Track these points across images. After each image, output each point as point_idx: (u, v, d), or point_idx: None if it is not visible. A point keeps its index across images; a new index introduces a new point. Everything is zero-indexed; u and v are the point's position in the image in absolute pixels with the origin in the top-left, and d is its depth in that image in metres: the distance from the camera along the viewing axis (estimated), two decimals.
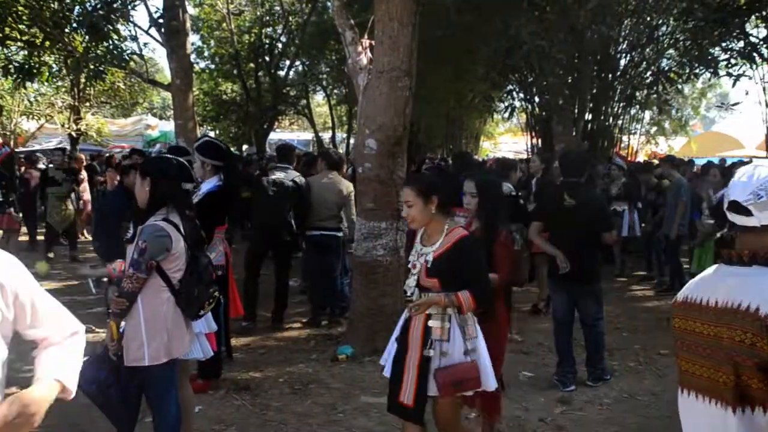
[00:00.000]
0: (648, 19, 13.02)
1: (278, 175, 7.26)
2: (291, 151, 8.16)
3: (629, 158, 17.24)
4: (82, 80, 17.23)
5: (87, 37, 10.94)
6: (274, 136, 24.21)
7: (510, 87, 15.07)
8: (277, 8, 18.92)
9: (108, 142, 21.56)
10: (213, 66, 20.63)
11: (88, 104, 20.02)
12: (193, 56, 15.71)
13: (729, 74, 12.58)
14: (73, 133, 18.94)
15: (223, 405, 5.11)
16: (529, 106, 15.64)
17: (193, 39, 17.91)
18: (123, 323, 3.51)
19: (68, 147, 18.14)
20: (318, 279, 7.59)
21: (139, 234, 3.50)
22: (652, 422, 4.87)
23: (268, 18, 19.28)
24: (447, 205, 3.60)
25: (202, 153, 5.40)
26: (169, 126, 21.46)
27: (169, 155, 4.62)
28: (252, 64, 19.33)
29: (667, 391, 5.43)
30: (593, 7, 10.41)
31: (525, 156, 17.64)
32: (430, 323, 3.48)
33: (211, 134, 20.07)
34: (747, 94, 19.81)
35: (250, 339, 6.89)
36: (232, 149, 18.49)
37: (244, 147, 20.61)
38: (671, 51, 13.86)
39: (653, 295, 9.27)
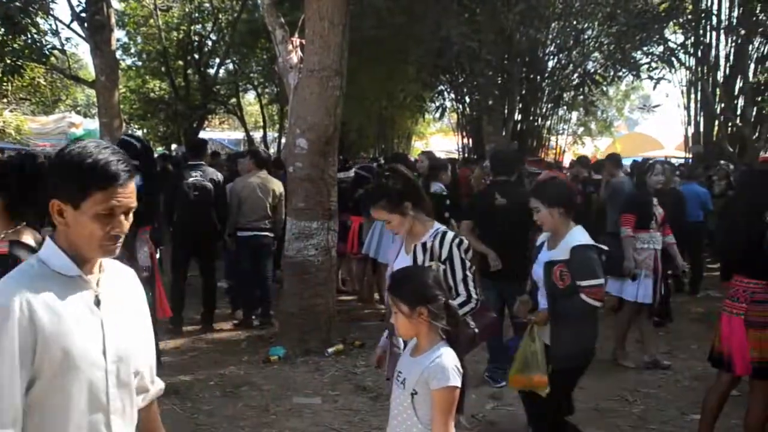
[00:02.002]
0: (574, 23, 13.37)
1: (196, 176, 7.09)
2: (203, 146, 8.06)
3: (558, 157, 17.66)
4: None
5: (2, 29, 10.49)
6: (204, 135, 23.75)
7: (441, 87, 15.24)
8: (207, 5, 18.60)
9: (29, 141, 20.72)
10: (140, 63, 20.11)
11: (5, 100, 19.19)
12: (118, 53, 15.33)
13: (650, 77, 13.09)
14: None
15: None
16: (460, 107, 15.85)
17: (119, 35, 17.44)
18: None
19: None
20: (247, 280, 7.49)
21: None
22: (578, 415, 4.98)
23: (197, 15, 18.92)
24: (16, 206, 2.57)
25: None
26: (94, 124, 20.74)
27: None
28: (181, 62, 18.94)
29: (593, 384, 5.58)
30: (521, 10, 10.63)
31: (456, 156, 17.85)
32: None
33: (139, 133, 19.61)
34: (667, 96, 20.68)
35: (179, 342, 6.74)
36: (159, 148, 18.12)
37: (173, 146, 20.17)
38: (596, 54, 14.27)
39: None
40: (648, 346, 6.24)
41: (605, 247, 3.85)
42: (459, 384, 2.48)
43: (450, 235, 3.33)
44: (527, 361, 3.72)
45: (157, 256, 5.71)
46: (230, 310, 7.85)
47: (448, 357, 2.50)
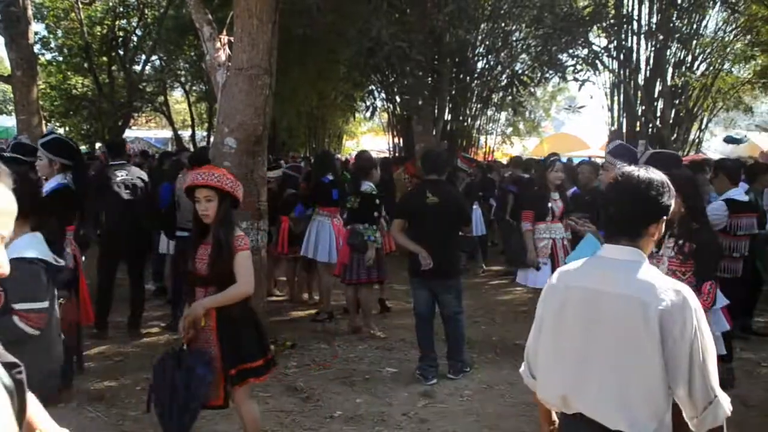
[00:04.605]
0: (503, 24, 13.61)
1: (123, 175, 6.89)
2: (124, 145, 7.92)
3: (487, 157, 17.96)
4: None
5: None
6: (131, 133, 23.16)
7: (371, 87, 15.26)
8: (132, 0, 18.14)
9: None
10: (61, 58, 19.42)
11: None
12: (37, 47, 14.75)
13: (575, 79, 13.42)
14: None
15: (75, 417, 4.79)
16: (391, 106, 15.91)
17: (37, 28, 16.80)
18: None
19: None
20: (182, 281, 7.34)
21: None
22: (509, 410, 5.09)
23: (122, 9, 18.41)
24: None
25: (50, 150, 5.12)
26: (11, 121, 19.94)
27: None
28: (105, 58, 18.39)
29: (521, 380, 5.69)
30: (451, 11, 10.74)
31: (387, 155, 17.91)
32: None
33: (60, 131, 18.91)
34: (592, 98, 21.31)
35: (104, 347, 6.53)
36: (83, 147, 17.58)
37: (97, 145, 19.59)
38: (524, 56, 14.56)
39: (510, 288, 9.68)
40: None
41: (61, 262, 3.27)
42: None
43: None
44: None
45: (83, 258, 5.51)
46: (161, 313, 7.66)
47: None
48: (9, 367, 1.46)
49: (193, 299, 3.77)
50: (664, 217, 2.23)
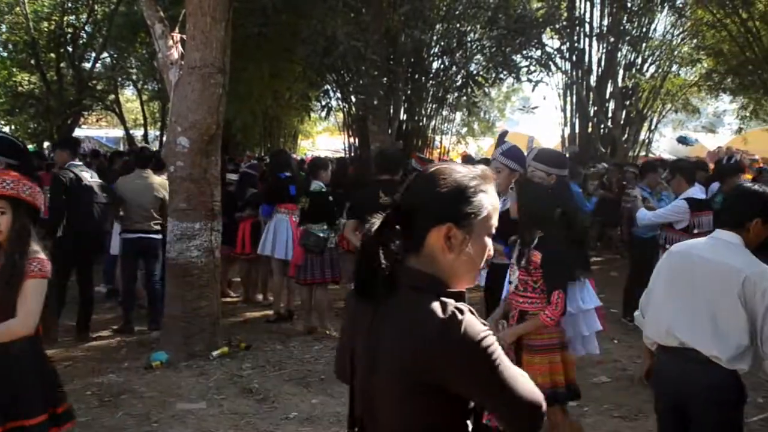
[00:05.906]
0: (457, 25, 13.71)
1: (83, 176, 6.78)
2: (79, 144, 7.81)
3: (442, 157, 18.05)
4: None
5: None
6: (81, 132, 22.64)
7: (327, 86, 15.23)
8: None
9: None
10: (5, 54, 18.87)
11: None
12: None
13: (529, 80, 13.60)
14: None
15: None
16: (346, 106, 15.88)
17: None
18: None
19: None
20: (132, 283, 7.25)
21: None
22: None
23: (70, 5, 17.95)
24: None
25: None
26: None
27: None
28: (52, 54, 17.91)
29: None
30: (406, 11, 10.78)
31: (343, 155, 17.88)
32: None
33: (5, 129, 18.42)
34: (545, 98, 21.65)
35: (53, 351, 6.34)
36: (30, 146, 17.14)
37: (45, 144, 19.12)
38: (479, 56, 14.68)
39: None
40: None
41: None
42: None
43: None
44: None
45: None
46: (112, 316, 7.54)
47: None
48: None
49: None
50: (758, 220, 2.96)
